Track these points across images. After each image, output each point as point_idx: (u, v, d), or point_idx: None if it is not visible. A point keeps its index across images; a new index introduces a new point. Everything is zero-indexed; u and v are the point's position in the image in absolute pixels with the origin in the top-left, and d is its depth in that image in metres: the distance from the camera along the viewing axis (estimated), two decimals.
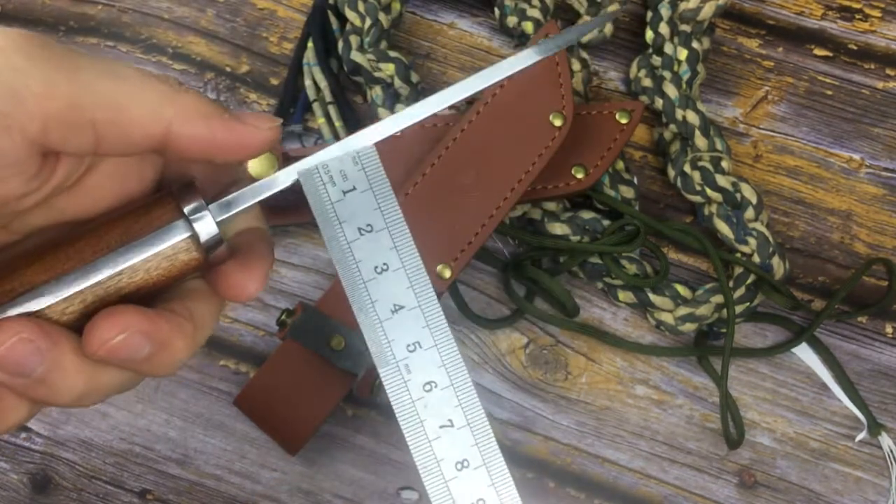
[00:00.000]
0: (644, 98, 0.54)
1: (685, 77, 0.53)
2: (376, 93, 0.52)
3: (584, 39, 0.54)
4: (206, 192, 0.31)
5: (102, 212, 0.30)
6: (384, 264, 0.29)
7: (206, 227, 0.29)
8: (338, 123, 0.53)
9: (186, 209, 0.29)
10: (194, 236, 0.29)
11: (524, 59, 0.30)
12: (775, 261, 0.50)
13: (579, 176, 0.49)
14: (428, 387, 0.28)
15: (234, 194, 0.29)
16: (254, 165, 0.50)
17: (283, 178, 0.30)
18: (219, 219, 0.29)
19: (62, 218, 0.30)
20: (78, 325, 0.28)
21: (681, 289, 0.51)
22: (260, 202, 0.31)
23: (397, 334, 0.29)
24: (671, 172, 0.52)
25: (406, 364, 0.29)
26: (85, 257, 0.28)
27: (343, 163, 0.29)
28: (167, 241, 0.29)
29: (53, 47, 0.27)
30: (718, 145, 0.52)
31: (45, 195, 0.28)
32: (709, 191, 0.51)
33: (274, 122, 0.29)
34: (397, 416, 0.28)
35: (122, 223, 0.29)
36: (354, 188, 0.29)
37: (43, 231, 0.29)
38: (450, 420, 0.28)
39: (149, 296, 0.29)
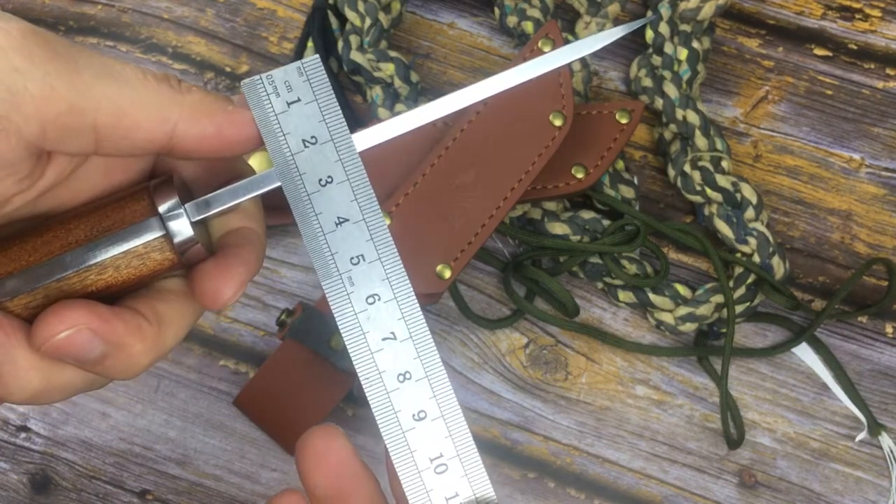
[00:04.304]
0: (644, 98, 0.54)
1: (685, 77, 0.53)
2: (376, 93, 0.52)
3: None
4: (204, 188, 0.31)
5: (80, 204, 0.29)
6: (329, 177, 0.28)
7: (181, 226, 0.28)
8: None
9: (161, 207, 0.28)
10: (168, 235, 0.28)
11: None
12: (775, 261, 0.50)
13: (579, 176, 0.49)
14: (371, 299, 0.28)
15: (214, 193, 0.29)
16: (254, 160, 0.50)
17: (268, 179, 0.29)
18: (195, 218, 0.28)
19: (36, 210, 0.28)
20: None
21: (681, 289, 0.51)
22: (259, 201, 0.31)
23: (341, 247, 0.28)
24: (671, 172, 0.52)
25: (349, 276, 0.28)
26: (52, 250, 0.27)
27: (288, 73, 0.29)
28: (138, 239, 0.28)
29: (55, 45, 0.26)
30: (718, 145, 0.52)
31: (34, 195, 0.27)
32: (709, 191, 0.51)
33: None
34: (339, 327, 0.28)
35: (92, 217, 0.28)
36: (299, 99, 0.29)
37: (14, 222, 0.28)
38: (392, 333, 0.28)
39: (119, 295, 0.28)
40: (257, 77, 0.29)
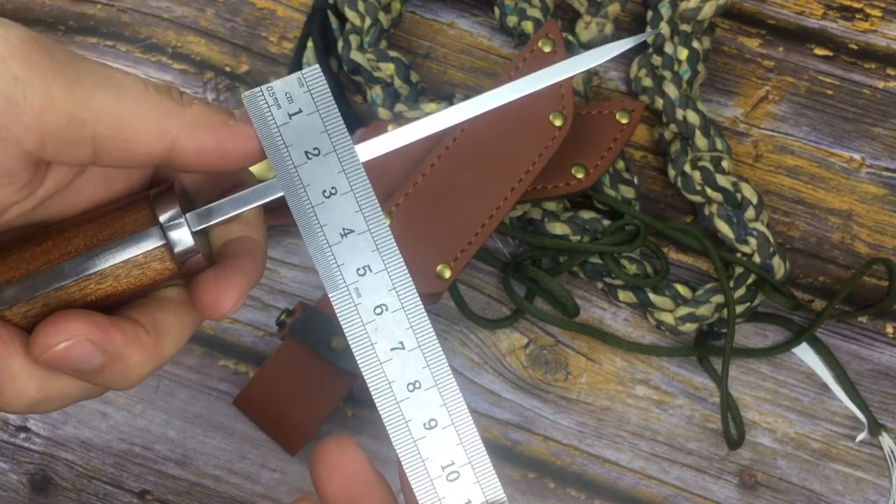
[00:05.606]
0: (644, 98, 0.54)
1: (685, 77, 0.53)
2: (376, 92, 0.52)
3: (584, 39, 0.54)
4: (206, 196, 0.31)
5: (79, 213, 0.29)
6: (332, 188, 0.28)
7: (182, 236, 0.28)
8: None
9: (162, 217, 0.28)
10: (168, 245, 0.28)
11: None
12: (776, 261, 0.50)
13: (579, 176, 0.49)
14: (378, 310, 0.28)
15: (215, 203, 0.28)
16: (255, 167, 0.49)
17: (270, 189, 0.29)
18: (196, 228, 0.28)
19: (36, 219, 0.28)
20: None
21: (681, 289, 0.51)
22: (261, 210, 0.30)
23: (347, 258, 0.28)
24: (671, 172, 0.52)
25: (356, 288, 0.28)
26: (51, 259, 0.27)
27: (288, 85, 0.29)
28: (139, 248, 0.28)
29: (55, 53, 0.25)
30: (719, 145, 0.52)
31: (33, 204, 0.27)
32: (709, 191, 0.51)
33: None
34: (347, 338, 0.28)
35: (92, 226, 0.28)
36: (300, 111, 0.29)
37: (13, 230, 0.28)
38: (401, 342, 0.28)
39: (118, 304, 0.28)
40: (258, 89, 0.28)
